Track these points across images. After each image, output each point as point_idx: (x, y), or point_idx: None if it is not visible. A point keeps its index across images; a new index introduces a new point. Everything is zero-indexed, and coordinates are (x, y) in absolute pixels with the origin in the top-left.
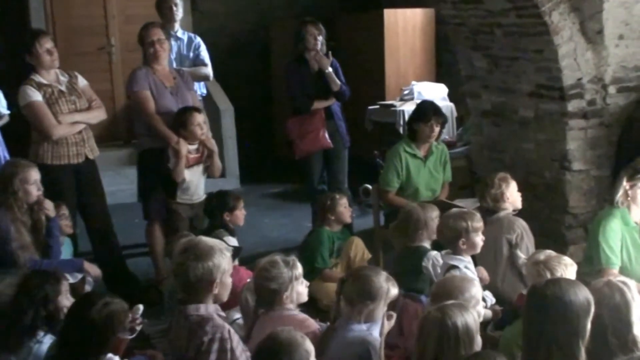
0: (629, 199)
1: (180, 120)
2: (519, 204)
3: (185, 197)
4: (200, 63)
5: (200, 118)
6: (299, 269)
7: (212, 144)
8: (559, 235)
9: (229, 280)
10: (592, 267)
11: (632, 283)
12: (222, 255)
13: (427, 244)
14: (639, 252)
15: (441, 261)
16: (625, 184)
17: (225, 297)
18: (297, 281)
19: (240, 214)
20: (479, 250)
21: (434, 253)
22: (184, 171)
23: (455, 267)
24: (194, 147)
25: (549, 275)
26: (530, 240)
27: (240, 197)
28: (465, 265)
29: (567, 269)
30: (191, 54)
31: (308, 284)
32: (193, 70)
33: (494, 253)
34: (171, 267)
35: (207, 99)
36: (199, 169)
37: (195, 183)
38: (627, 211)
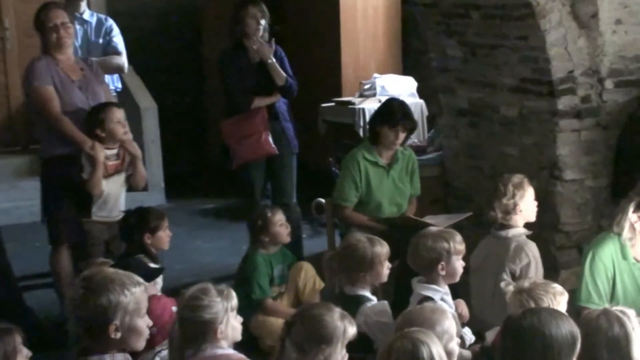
0: (636, 232)
1: (95, 119)
2: (532, 217)
3: (102, 213)
4: (113, 51)
5: (120, 114)
6: (234, 300)
7: (135, 148)
8: (548, 257)
9: (139, 324)
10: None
11: (631, 313)
12: (124, 291)
13: (367, 292)
14: (638, 292)
15: (375, 318)
16: (630, 215)
17: (137, 344)
18: (232, 313)
19: (165, 236)
20: (458, 278)
21: (370, 306)
22: (102, 182)
23: (429, 298)
24: (112, 152)
25: (532, 307)
26: (539, 272)
27: (165, 214)
28: (442, 297)
29: (556, 298)
30: (101, 40)
31: (242, 320)
32: (104, 60)
33: (493, 281)
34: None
35: (124, 95)
36: (120, 178)
37: (114, 196)
38: (628, 244)
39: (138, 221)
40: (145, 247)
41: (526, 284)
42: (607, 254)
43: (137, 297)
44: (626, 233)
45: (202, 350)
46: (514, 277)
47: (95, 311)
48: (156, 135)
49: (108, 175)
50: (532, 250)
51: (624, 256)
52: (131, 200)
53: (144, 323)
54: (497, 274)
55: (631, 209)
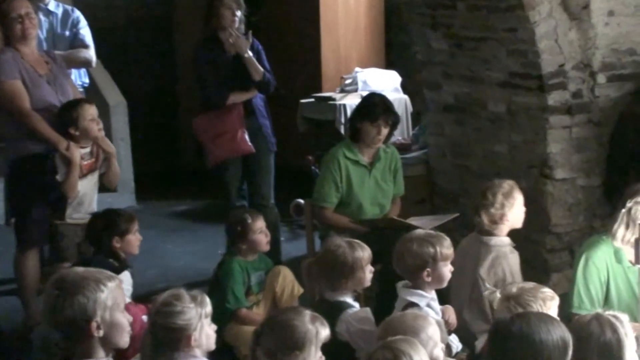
0: (634, 237)
1: (68, 117)
2: (519, 224)
3: (77, 215)
4: (80, 44)
5: (93, 111)
6: (209, 307)
7: (109, 144)
8: (539, 260)
9: (120, 319)
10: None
11: (624, 317)
12: (100, 286)
13: (349, 298)
14: (633, 297)
15: (357, 326)
16: (628, 219)
17: (121, 340)
18: (206, 320)
19: (135, 239)
20: (445, 283)
21: (351, 313)
22: (77, 184)
23: (414, 304)
24: (86, 150)
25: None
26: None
27: (135, 217)
28: (428, 303)
29: (546, 304)
30: (67, 33)
31: (216, 327)
32: (70, 54)
33: (470, 284)
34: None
35: (91, 90)
36: (94, 177)
37: (89, 196)
38: (622, 248)
39: (106, 224)
40: (114, 251)
41: (514, 289)
42: (600, 258)
43: (114, 292)
44: (620, 235)
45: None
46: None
47: (74, 311)
48: (126, 133)
49: (82, 175)
50: (511, 264)
51: (618, 260)
52: (99, 201)
53: (124, 318)
54: (473, 277)
55: (628, 213)
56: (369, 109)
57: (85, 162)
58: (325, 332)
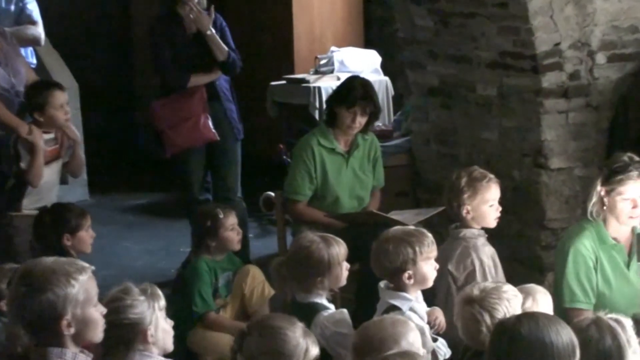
0: (604, 208)
1: (34, 102)
2: (486, 222)
3: (35, 206)
4: (27, 20)
5: (64, 98)
6: (162, 300)
7: (74, 132)
8: (533, 258)
9: (93, 314)
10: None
11: (627, 322)
12: (70, 281)
13: (323, 299)
14: (621, 276)
15: (332, 329)
16: (599, 189)
17: (94, 337)
18: (161, 313)
19: (87, 237)
20: (430, 283)
21: (326, 315)
22: (43, 171)
23: (396, 308)
24: (50, 136)
25: (488, 319)
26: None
27: (87, 212)
28: (411, 307)
29: (511, 303)
30: (13, 7)
31: (172, 323)
32: (17, 31)
33: (445, 284)
34: None
35: (39, 72)
36: (57, 165)
37: (49, 186)
38: (603, 225)
39: (55, 220)
40: (64, 250)
41: (475, 291)
42: (585, 243)
43: (86, 285)
44: (593, 207)
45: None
46: (455, 282)
47: (42, 309)
48: (77, 120)
49: (45, 163)
50: (482, 257)
51: (602, 240)
52: None
53: (97, 312)
54: (442, 273)
55: (599, 181)
56: (346, 92)
57: (49, 149)
58: (314, 352)
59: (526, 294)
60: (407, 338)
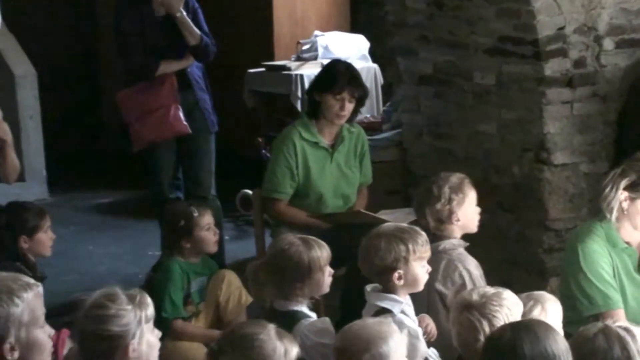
0: (625, 213)
1: None
2: (473, 227)
3: None
4: None
5: None
6: (150, 309)
7: (4, 131)
8: (534, 261)
9: (39, 336)
10: (573, 313)
11: (637, 331)
12: (13, 299)
13: (304, 307)
14: (633, 281)
15: (314, 339)
16: (621, 193)
17: None
18: (147, 325)
19: (46, 239)
20: (421, 286)
21: (307, 324)
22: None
23: (386, 311)
24: None
25: (487, 328)
26: None
27: (46, 212)
28: (402, 310)
29: (512, 311)
30: None
31: (160, 334)
32: None
33: (425, 302)
34: None
35: None
36: None
37: None
38: (614, 227)
39: (11, 220)
40: (21, 253)
41: (474, 296)
42: (601, 245)
43: (31, 304)
44: (615, 212)
45: None
46: (443, 303)
47: None
48: (36, 110)
49: None
50: (470, 268)
51: (613, 243)
52: (2, 193)
53: (44, 334)
54: (428, 294)
55: (622, 185)
56: (331, 78)
57: None
58: (294, 351)
59: (535, 302)
60: (393, 339)
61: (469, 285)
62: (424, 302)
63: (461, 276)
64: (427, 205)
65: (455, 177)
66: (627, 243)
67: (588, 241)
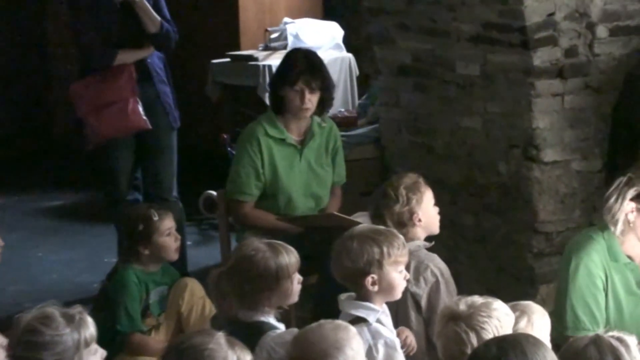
0: (630, 225)
1: None
2: (435, 228)
3: None
4: None
5: None
6: (91, 329)
7: None
8: (522, 267)
9: None
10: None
11: (631, 340)
12: None
13: (271, 318)
14: (633, 299)
15: (281, 352)
16: (627, 204)
17: None
18: (87, 350)
19: None
20: (399, 294)
21: (274, 336)
22: None
23: (361, 320)
24: None
25: (474, 340)
26: (451, 292)
27: None
28: (378, 319)
29: (502, 323)
30: None
31: (105, 354)
32: None
33: (395, 312)
34: None
35: None
36: None
37: None
38: (616, 240)
39: None
40: None
41: (461, 306)
42: (595, 259)
43: None
44: (621, 224)
45: None
46: (418, 305)
47: None
48: None
49: None
50: (440, 266)
51: (614, 257)
52: None
53: None
54: (397, 305)
55: (629, 196)
56: (287, 68)
57: None
58: (248, 359)
59: (521, 313)
60: (351, 346)
61: (442, 283)
62: (392, 307)
63: (433, 274)
64: (384, 208)
65: (409, 178)
66: (630, 257)
67: (583, 255)
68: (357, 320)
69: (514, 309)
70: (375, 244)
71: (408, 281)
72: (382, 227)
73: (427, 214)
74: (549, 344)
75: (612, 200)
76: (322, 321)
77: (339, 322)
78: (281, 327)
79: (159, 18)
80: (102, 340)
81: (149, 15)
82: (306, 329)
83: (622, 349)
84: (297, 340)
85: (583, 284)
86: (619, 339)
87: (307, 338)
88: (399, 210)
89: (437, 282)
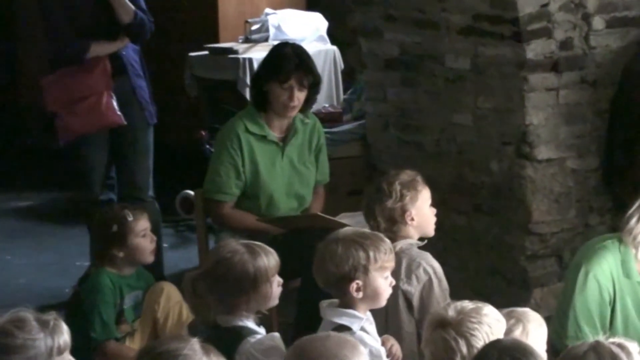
0: None
1: None
2: (430, 229)
3: None
4: None
5: None
6: (65, 336)
7: None
8: (516, 270)
9: None
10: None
11: (633, 347)
12: None
13: (250, 322)
14: None
15: (262, 358)
16: None
17: None
18: (60, 357)
19: None
20: (384, 301)
21: (254, 342)
22: None
23: (344, 328)
24: None
25: (464, 348)
26: (444, 290)
27: None
28: (362, 327)
29: (493, 329)
30: None
31: None
32: None
33: (385, 314)
34: None
35: None
36: None
37: None
38: (632, 255)
39: None
40: None
41: (450, 312)
42: (605, 271)
43: None
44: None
45: None
46: (410, 305)
47: None
48: None
49: None
50: (432, 264)
51: (627, 273)
52: None
53: None
54: (390, 297)
55: None
56: (276, 63)
57: None
58: None
59: (516, 320)
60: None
61: (435, 282)
62: (382, 307)
63: (426, 271)
64: (376, 203)
65: (406, 174)
66: None
67: (595, 265)
68: (341, 329)
69: (509, 316)
70: (361, 248)
71: (399, 279)
72: (367, 230)
73: (422, 213)
74: (544, 355)
75: (633, 221)
76: (330, 333)
77: (347, 337)
78: (262, 331)
79: (133, 7)
80: (74, 348)
81: (121, 3)
82: (310, 338)
83: (622, 355)
84: (296, 350)
85: (590, 295)
86: (620, 345)
87: (308, 350)
88: (391, 206)
89: (429, 280)
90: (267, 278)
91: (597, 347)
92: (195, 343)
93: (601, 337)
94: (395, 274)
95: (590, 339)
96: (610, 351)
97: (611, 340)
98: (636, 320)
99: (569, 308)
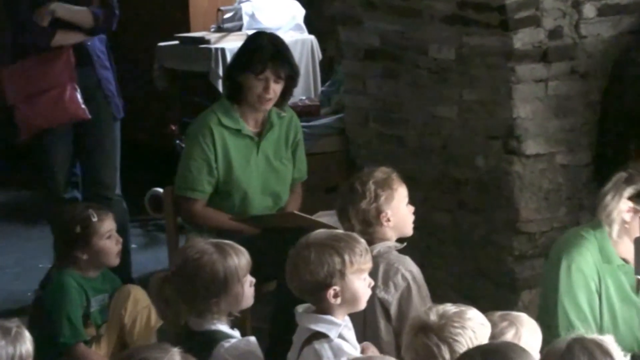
0: (626, 226)
1: None
2: (408, 228)
3: None
4: None
5: None
6: (27, 344)
7: None
8: (503, 271)
9: None
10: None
11: (610, 341)
12: None
13: (224, 325)
14: (628, 304)
15: None
16: (623, 203)
17: None
18: None
19: None
20: (362, 304)
21: (229, 346)
22: None
23: (321, 335)
24: None
25: (446, 354)
26: (424, 297)
27: None
28: (340, 334)
29: (477, 334)
30: None
31: None
32: None
33: (361, 316)
34: None
35: None
36: None
37: None
38: (609, 240)
39: None
40: None
41: (432, 316)
42: (588, 260)
43: None
44: (617, 225)
45: None
46: (388, 313)
47: None
48: None
49: None
50: (411, 269)
51: (607, 259)
52: None
53: None
54: (364, 311)
55: (627, 194)
56: (251, 55)
57: None
58: None
59: (509, 324)
60: None
61: (414, 289)
62: (360, 315)
63: (404, 278)
64: (350, 204)
65: (381, 172)
66: (624, 260)
67: (576, 255)
68: (317, 336)
69: (502, 318)
70: (335, 253)
71: (376, 286)
72: (341, 232)
73: (398, 213)
74: None
75: (609, 198)
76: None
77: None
78: (236, 334)
79: (88, 14)
80: (38, 356)
81: (77, 18)
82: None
83: (598, 354)
84: None
85: (576, 287)
86: (597, 343)
87: None
88: (365, 207)
89: (408, 287)
90: (238, 278)
91: (575, 343)
92: (175, 354)
93: (579, 335)
94: (372, 279)
95: (590, 329)
96: (589, 348)
97: (590, 337)
98: (619, 307)
99: (555, 305)
